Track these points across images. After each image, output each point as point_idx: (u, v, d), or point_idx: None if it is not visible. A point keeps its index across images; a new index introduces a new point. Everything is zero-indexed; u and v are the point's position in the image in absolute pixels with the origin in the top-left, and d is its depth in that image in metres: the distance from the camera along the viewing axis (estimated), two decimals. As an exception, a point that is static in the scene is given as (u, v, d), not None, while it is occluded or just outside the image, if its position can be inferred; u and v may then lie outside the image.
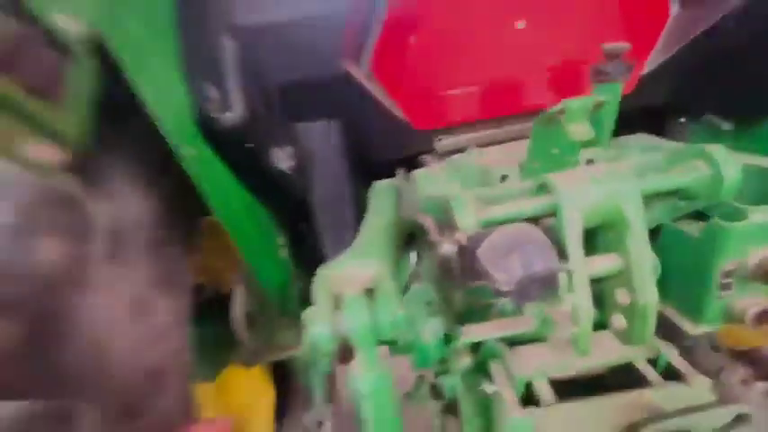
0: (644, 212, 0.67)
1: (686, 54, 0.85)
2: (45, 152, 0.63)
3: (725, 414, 0.62)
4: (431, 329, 0.89)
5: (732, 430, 0.62)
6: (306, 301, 0.72)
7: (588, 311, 0.65)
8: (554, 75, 0.87)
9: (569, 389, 0.74)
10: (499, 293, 0.60)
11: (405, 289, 0.85)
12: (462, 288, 0.78)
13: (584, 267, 0.66)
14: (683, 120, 1.06)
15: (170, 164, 0.76)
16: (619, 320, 0.72)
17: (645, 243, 0.66)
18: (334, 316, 0.56)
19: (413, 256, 1.00)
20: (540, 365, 0.79)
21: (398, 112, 0.87)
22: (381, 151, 0.95)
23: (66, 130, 0.64)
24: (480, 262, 0.60)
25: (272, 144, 0.82)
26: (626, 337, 0.71)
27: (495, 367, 0.82)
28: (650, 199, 0.70)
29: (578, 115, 0.75)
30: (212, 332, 1.20)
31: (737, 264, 0.73)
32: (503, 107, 0.90)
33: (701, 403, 0.64)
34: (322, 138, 0.85)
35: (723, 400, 0.66)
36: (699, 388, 0.69)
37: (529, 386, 0.78)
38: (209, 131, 0.79)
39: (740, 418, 0.62)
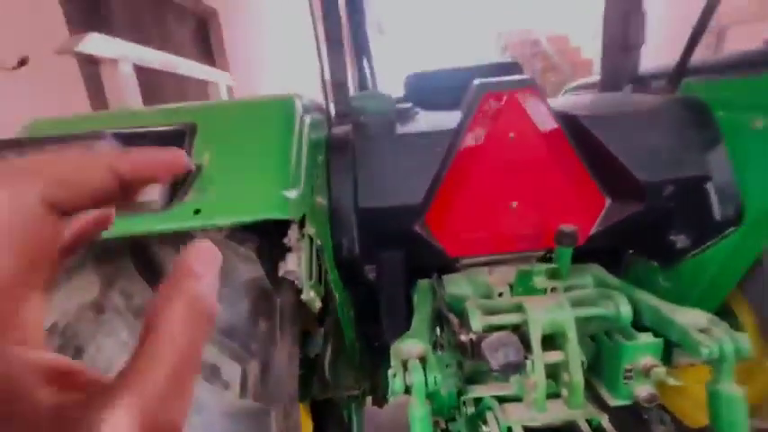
0: (577, 329, 0.96)
1: (618, 225, 1.29)
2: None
3: None
4: (447, 386, 1.20)
5: None
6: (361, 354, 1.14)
7: (543, 385, 0.93)
8: (536, 229, 1.37)
9: None
10: (493, 370, 0.89)
11: None
12: (471, 362, 1.17)
13: (541, 358, 0.94)
14: (631, 251, 1.54)
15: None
16: (564, 392, 0.98)
17: (577, 347, 0.95)
18: (405, 374, 0.99)
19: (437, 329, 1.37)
20: (517, 417, 1.07)
21: (439, 245, 1.33)
22: (428, 267, 1.37)
23: None
24: (483, 351, 0.90)
25: (366, 264, 1.30)
26: (569, 403, 0.97)
27: (489, 416, 1.09)
28: (582, 320, 1.01)
29: (542, 274, 1.20)
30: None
31: (633, 365, 1.00)
32: (504, 247, 1.30)
33: None
34: (392, 260, 1.35)
35: None
36: None
37: (510, 430, 1.05)
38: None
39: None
